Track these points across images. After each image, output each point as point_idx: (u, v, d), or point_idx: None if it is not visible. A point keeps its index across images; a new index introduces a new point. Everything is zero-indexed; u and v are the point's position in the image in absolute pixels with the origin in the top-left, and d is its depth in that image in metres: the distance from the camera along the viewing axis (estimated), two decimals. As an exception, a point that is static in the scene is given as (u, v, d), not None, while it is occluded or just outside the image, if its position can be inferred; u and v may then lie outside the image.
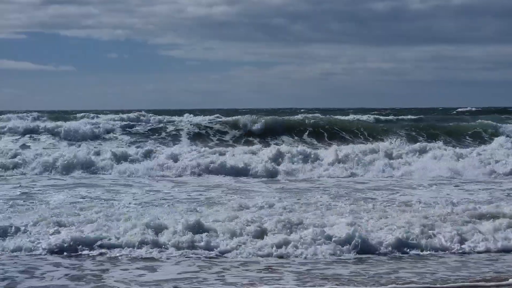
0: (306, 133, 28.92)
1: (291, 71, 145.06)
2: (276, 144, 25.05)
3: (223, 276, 8.37)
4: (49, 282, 8.08)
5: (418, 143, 24.04)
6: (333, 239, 9.67)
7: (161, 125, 29.51)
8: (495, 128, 30.56)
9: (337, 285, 7.89)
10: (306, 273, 8.48)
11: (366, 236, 9.75)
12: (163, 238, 9.76)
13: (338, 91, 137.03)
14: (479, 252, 9.66)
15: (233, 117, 29.84)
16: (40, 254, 9.32)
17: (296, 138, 28.39)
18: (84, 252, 9.39)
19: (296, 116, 31.65)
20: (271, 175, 19.46)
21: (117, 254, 9.34)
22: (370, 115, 39.42)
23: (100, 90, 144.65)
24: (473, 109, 61.40)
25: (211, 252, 9.44)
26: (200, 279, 8.20)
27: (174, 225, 10.16)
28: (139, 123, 29.78)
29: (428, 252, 9.61)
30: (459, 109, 61.54)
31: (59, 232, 9.94)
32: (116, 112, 37.02)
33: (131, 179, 18.27)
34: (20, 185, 16.39)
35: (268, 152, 21.57)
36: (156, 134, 28.19)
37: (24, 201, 13.50)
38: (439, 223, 10.51)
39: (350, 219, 10.56)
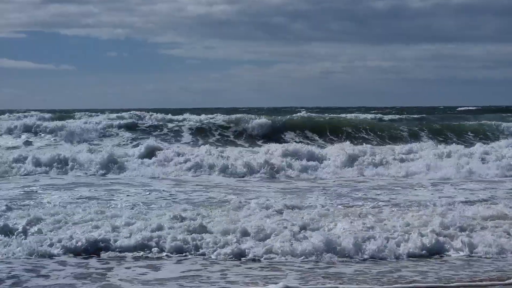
0: (309, 132, 28.92)
1: (291, 70, 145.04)
2: (278, 142, 24.95)
3: (226, 274, 8.37)
4: (55, 281, 8.08)
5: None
6: (338, 248, 9.36)
7: (161, 123, 29.50)
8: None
9: (340, 284, 7.89)
10: (308, 272, 8.48)
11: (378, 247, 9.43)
12: (165, 237, 9.71)
13: (338, 89, 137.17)
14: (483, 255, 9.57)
15: (235, 115, 29.77)
16: (45, 253, 9.28)
17: (298, 137, 28.40)
18: (88, 251, 9.36)
19: (298, 114, 31.68)
20: (272, 175, 19.36)
21: (121, 254, 9.31)
22: (374, 114, 39.30)
23: (100, 89, 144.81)
24: (474, 108, 61.43)
25: (212, 252, 9.38)
26: (203, 278, 8.21)
27: (174, 225, 10.17)
28: (140, 121, 29.79)
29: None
30: (460, 108, 61.63)
31: (62, 232, 9.91)
32: (117, 111, 37.01)
33: (131, 179, 18.23)
34: (21, 185, 16.35)
35: (272, 149, 21.55)
36: (158, 130, 28.18)
37: (26, 200, 13.46)
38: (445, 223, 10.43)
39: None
